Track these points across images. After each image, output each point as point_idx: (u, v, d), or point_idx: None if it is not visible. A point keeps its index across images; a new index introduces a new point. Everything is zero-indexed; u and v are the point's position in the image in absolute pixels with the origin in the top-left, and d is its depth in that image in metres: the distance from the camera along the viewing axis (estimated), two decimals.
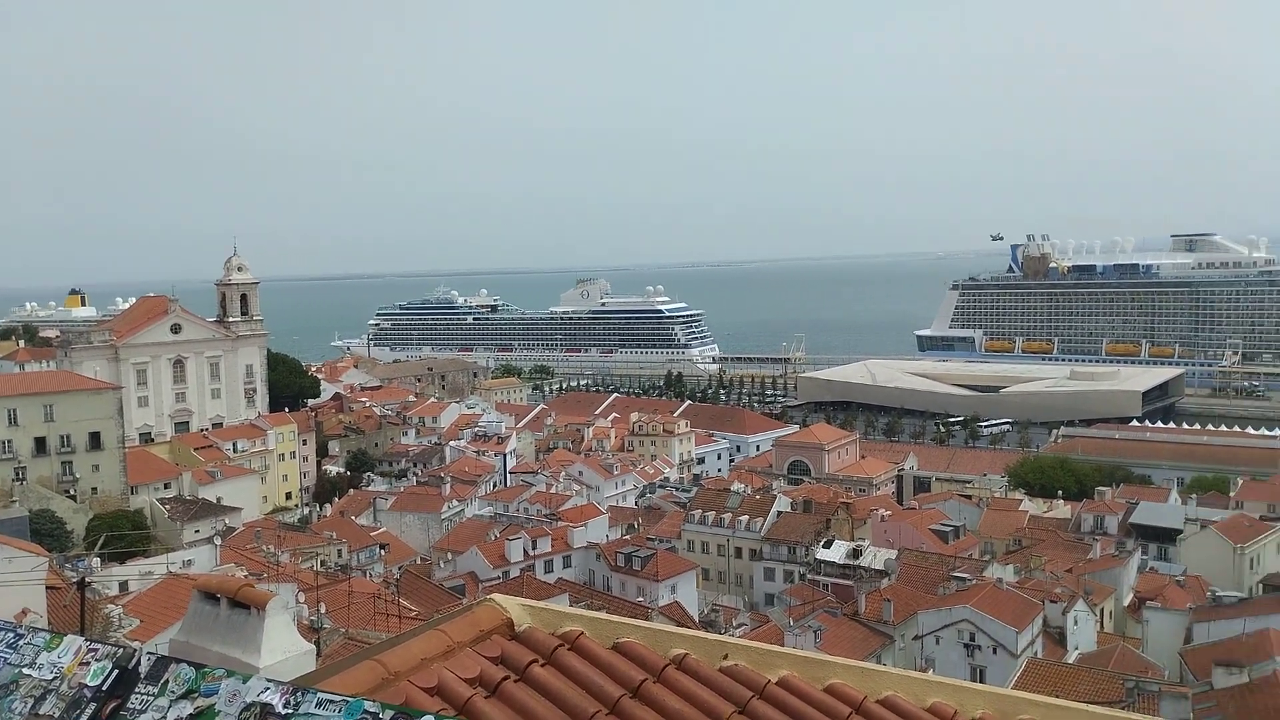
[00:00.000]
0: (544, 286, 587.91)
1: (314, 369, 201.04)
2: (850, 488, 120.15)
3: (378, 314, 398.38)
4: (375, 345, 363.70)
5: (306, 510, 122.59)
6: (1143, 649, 60.07)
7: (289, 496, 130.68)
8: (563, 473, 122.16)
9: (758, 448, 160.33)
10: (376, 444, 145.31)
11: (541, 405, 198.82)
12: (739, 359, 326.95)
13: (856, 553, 78.12)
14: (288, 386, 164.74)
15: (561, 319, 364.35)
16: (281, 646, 7.28)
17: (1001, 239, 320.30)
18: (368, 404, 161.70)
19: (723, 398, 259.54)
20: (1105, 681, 51.25)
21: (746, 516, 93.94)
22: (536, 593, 66.05)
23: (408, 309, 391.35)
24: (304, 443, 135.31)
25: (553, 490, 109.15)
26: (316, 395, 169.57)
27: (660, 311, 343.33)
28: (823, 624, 59.14)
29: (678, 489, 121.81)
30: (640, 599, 71.26)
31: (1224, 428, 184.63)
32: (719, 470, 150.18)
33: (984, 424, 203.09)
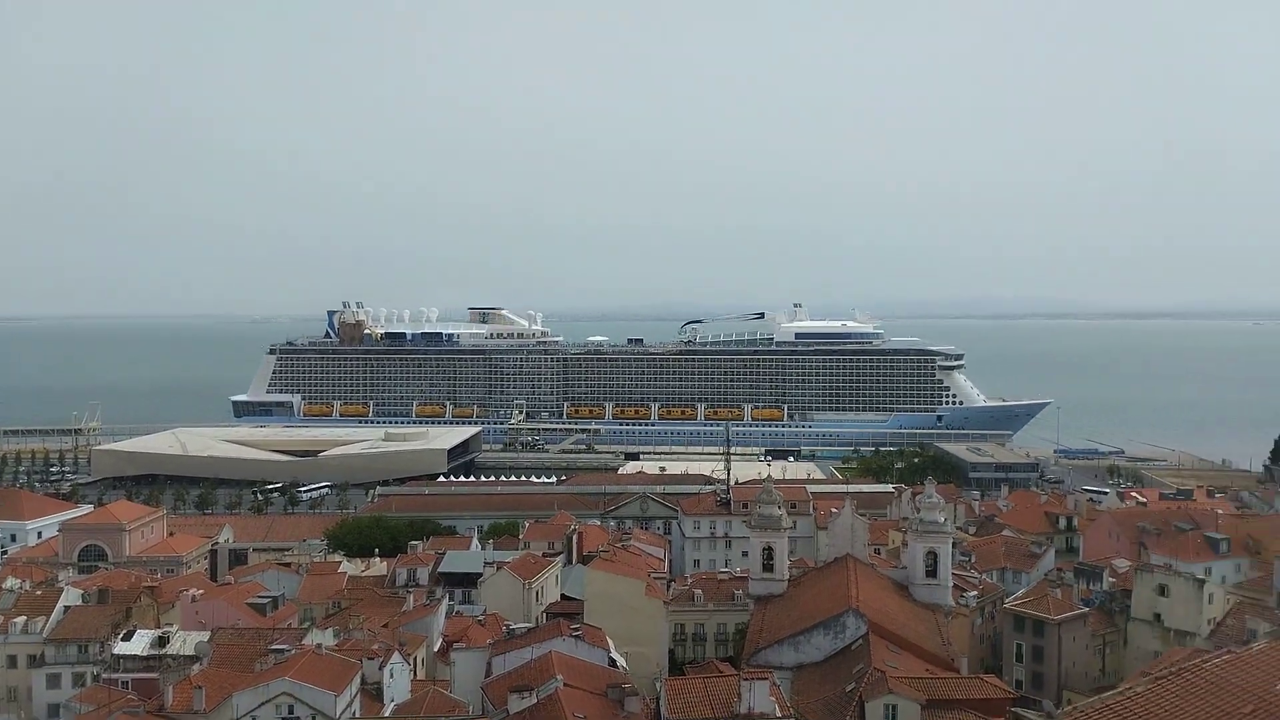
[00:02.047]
0: None
1: None
2: (157, 569, 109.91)
3: None
4: None
5: None
6: (452, 689, 64.44)
7: None
8: None
9: (40, 534, 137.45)
10: None
11: None
12: (14, 431, 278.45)
13: (163, 640, 70.93)
14: None
15: None
16: None
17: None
18: None
19: None
20: None
21: (24, 617, 79.56)
22: None
23: None
24: None
25: None
26: None
27: None
28: None
29: None
30: None
31: (514, 478, 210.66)
32: None
33: (303, 489, 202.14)
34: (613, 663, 64.23)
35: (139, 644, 70.36)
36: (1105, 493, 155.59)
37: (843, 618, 63.87)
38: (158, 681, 61.89)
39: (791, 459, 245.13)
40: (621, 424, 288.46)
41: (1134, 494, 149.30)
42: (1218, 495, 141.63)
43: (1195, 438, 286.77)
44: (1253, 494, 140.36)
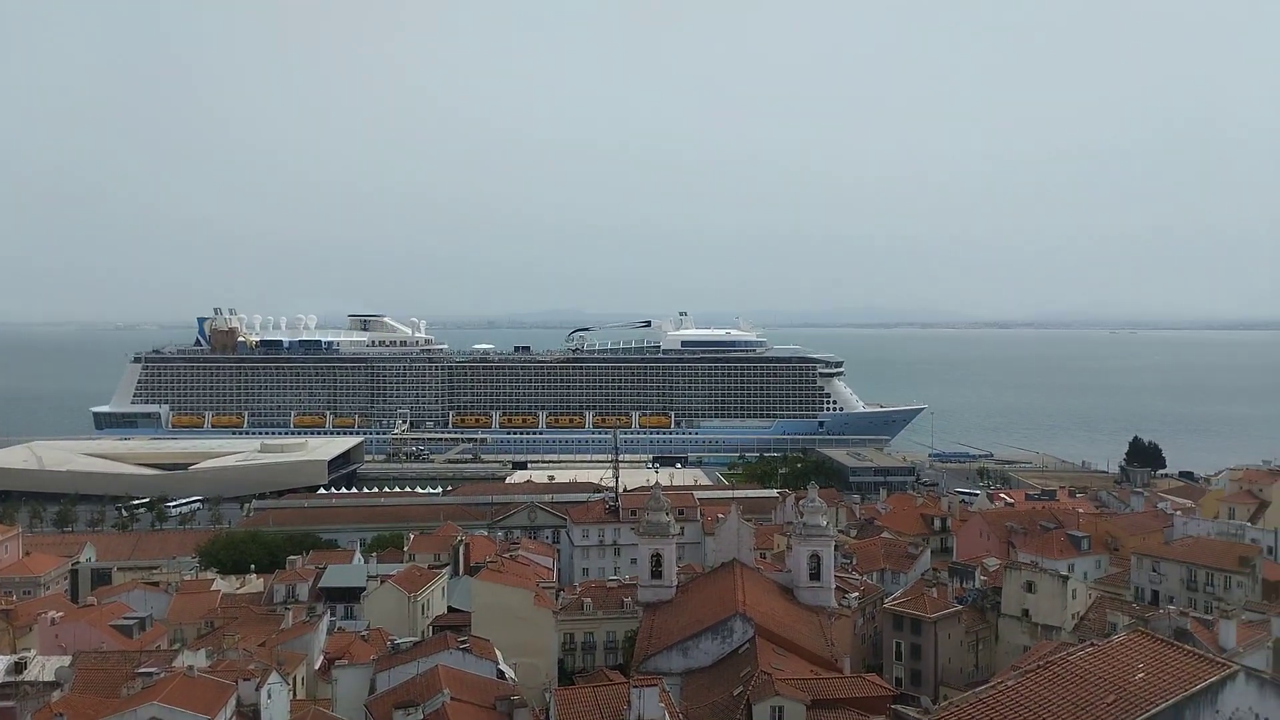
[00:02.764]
0: None
1: None
2: (12, 591, 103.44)
3: None
4: None
5: None
6: (334, 708, 62.48)
7: None
8: None
9: None
10: None
11: None
12: None
13: (20, 666, 66.69)
14: None
15: None
16: None
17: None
18: None
19: None
20: None
21: None
22: None
23: None
24: None
25: None
26: None
27: None
28: None
29: None
30: None
31: (398, 489, 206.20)
32: None
33: (172, 504, 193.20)
34: (501, 675, 63.50)
35: None
36: (976, 494, 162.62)
37: (730, 622, 64.82)
38: (14, 710, 58.09)
39: (679, 466, 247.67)
40: (509, 433, 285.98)
41: (1002, 495, 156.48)
42: (1078, 495, 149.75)
43: (1056, 441, 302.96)
44: (1110, 494, 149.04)
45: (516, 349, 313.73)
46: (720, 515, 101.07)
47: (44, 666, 67.12)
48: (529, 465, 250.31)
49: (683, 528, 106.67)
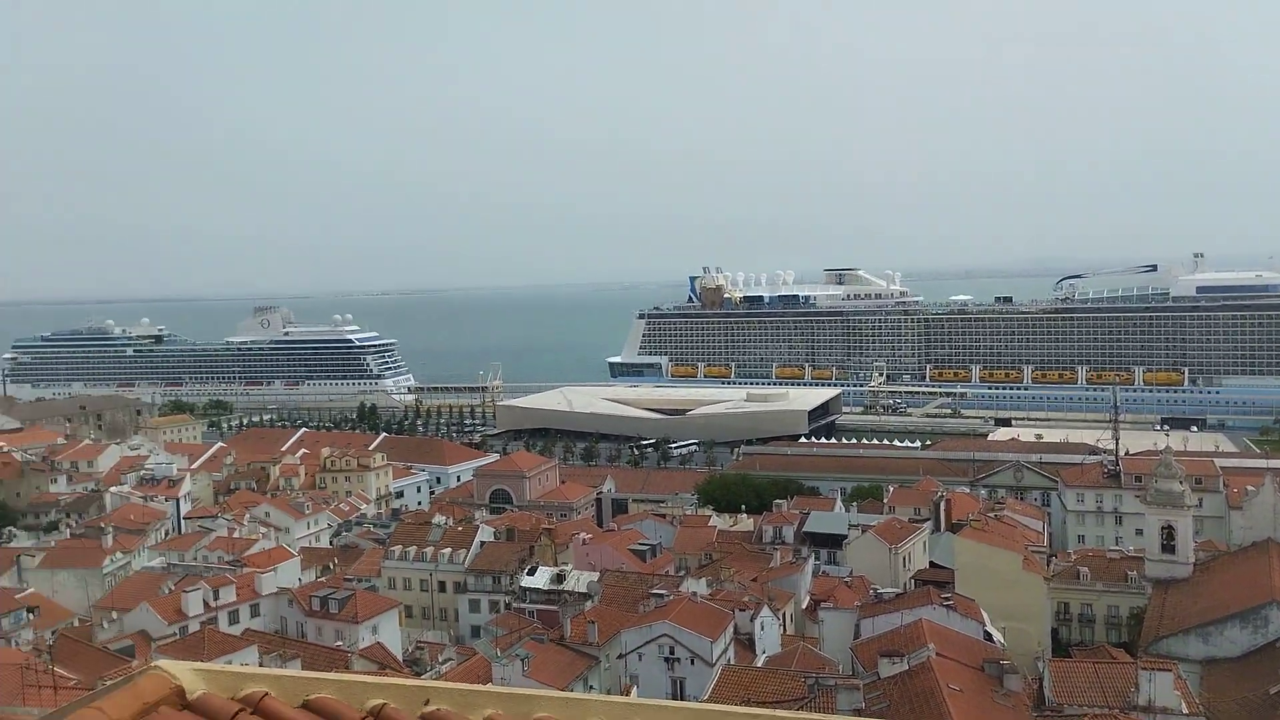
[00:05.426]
0: (215, 316, 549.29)
1: None
2: (552, 513, 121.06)
3: (14, 346, 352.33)
4: (13, 382, 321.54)
5: None
6: (820, 647, 65.22)
7: None
8: (247, 515, 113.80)
9: (459, 478, 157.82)
10: (18, 494, 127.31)
11: (219, 444, 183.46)
12: (436, 389, 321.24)
13: (560, 577, 78.65)
14: None
15: (240, 350, 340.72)
16: None
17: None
18: (5, 449, 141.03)
19: (420, 429, 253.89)
20: (790, 681, 55.01)
21: (449, 549, 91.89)
22: (219, 647, 60.52)
23: (52, 340, 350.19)
24: None
25: (236, 535, 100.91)
26: None
27: (350, 341, 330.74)
28: (530, 651, 58.76)
29: (376, 525, 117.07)
30: (339, 643, 67.24)
31: (875, 441, 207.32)
32: (419, 503, 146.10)
33: (674, 445, 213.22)
34: (988, 637, 61.45)
35: (541, 579, 78.59)
36: None
37: (1264, 610, 56.22)
38: (557, 614, 68.75)
39: (1194, 429, 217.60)
40: (990, 388, 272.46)
41: None
42: None
43: None
44: None
45: (997, 299, 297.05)
46: (1250, 487, 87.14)
47: (578, 579, 78.50)
48: (1012, 422, 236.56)
49: (1200, 499, 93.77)
